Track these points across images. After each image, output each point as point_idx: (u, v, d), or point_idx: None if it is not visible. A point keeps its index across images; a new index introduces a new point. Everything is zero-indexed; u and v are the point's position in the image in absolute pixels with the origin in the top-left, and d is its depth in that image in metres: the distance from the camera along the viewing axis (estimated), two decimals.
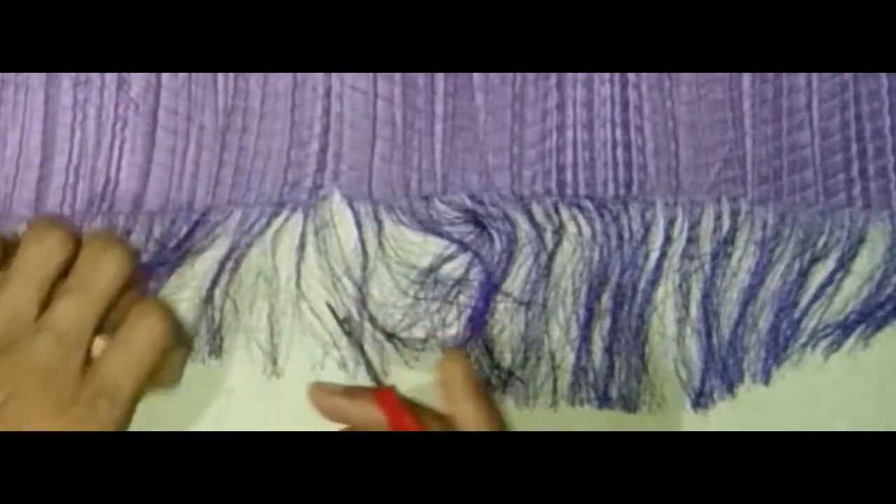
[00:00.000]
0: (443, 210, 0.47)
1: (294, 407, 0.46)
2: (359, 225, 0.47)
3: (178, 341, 0.43)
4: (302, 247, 0.47)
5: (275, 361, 0.47)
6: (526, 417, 0.46)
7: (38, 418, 0.39)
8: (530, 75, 0.47)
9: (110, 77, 0.48)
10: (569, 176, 0.47)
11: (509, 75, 0.47)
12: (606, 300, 0.47)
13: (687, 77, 0.47)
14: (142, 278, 0.45)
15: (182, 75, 0.48)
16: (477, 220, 0.47)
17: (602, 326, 0.47)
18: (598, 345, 0.47)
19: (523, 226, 0.47)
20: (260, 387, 0.47)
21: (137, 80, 0.48)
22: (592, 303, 0.47)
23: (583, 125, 0.47)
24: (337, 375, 0.47)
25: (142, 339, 0.41)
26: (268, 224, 0.48)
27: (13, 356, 0.40)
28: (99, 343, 0.41)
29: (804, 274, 0.47)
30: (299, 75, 0.48)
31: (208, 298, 0.47)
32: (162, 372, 0.42)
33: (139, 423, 0.41)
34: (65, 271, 0.42)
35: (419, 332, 0.47)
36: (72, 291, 0.41)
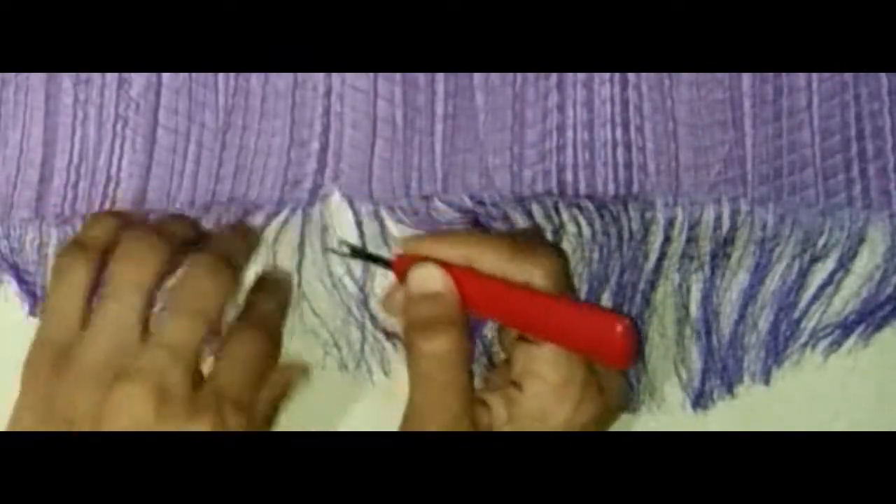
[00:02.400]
0: (443, 210, 0.47)
1: (294, 407, 0.46)
2: (359, 224, 0.48)
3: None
4: (302, 246, 0.47)
5: None
6: None
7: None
8: (530, 75, 0.47)
9: (111, 76, 0.48)
10: (569, 176, 0.47)
11: (509, 75, 0.47)
12: (606, 300, 0.47)
13: (687, 77, 0.47)
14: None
15: (183, 75, 0.48)
16: (477, 220, 0.47)
17: None
18: None
19: (523, 226, 0.47)
20: None
21: (138, 80, 0.48)
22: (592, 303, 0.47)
23: (583, 125, 0.47)
24: (337, 375, 0.47)
25: (252, 350, 0.41)
26: (268, 223, 0.48)
27: (126, 381, 0.39)
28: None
29: (804, 274, 0.47)
30: (300, 75, 0.48)
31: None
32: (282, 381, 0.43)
33: None
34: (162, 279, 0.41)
35: None
36: (179, 311, 0.40)
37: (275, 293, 0.45)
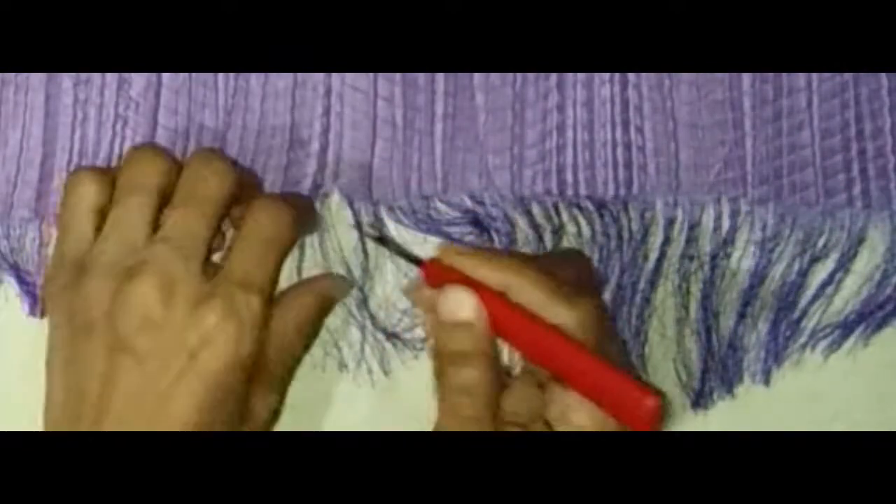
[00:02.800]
0: (443, 210, 0.47)
1: (293, 407, 0.46)
2: (359, 225, 0.47)
3: (305, 230, 0.45)
4: (302, 246, 0.47)
5: None
6: None
7: (173, 327, 0.39)
8: (530, 75, 0.47)
9: (111, 76, 0.48)
10: (569, 176, 0.47)
11: (509, 75, 0.47)
12: (606, 300, 0.47)
13: (687, 77, 0.47)
14: (255, 185, 0.46)
15: (182, 74, 0.48)
16: (477, 221, 0.47)
17: None
18: None
19: (523, 226, 0.47)
20: None
21: (138, 80, 0.48)
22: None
23: (583, 125, 0.47)
24: (337, 375, 0.47)
25: (265, 230, 0.41)
26: None
27: (133, 276, 0.40)
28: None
29: (804, 274, 0.47)
30: (299, 75, 0.48)
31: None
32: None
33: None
34: (170, 193, 0.42)
35: (419, 333, 0.47)
36: (180, 205, 0.41)
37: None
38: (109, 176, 0.43)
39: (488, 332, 0.40)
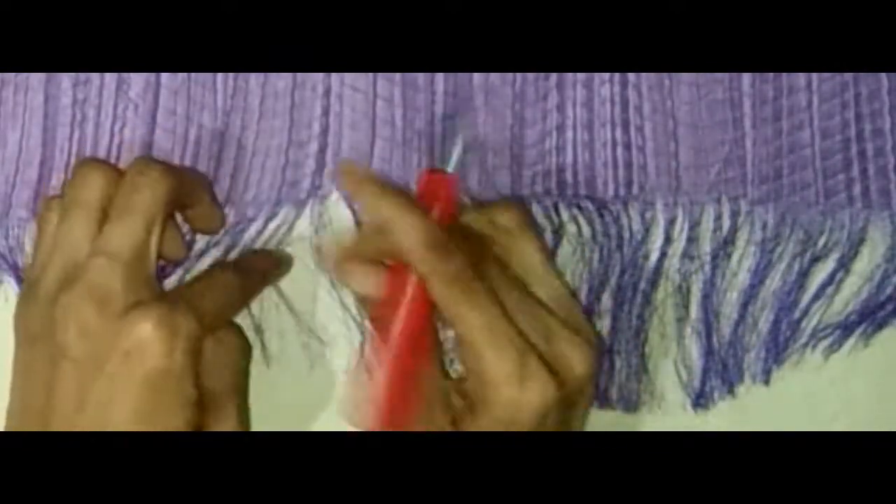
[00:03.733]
0: None
1: (294, 407, 0.46)
2: (358, 225, 0.47)
3: (188, 200, 0.44)
4: (301, 247, 0.47)
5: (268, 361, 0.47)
6: None
7: (109, 332, 0.40)
8: (530, 75, 0.47)
9: (110, 77, 0.48)
10: (569, 176, 0.47)
11: (509, 75, 0.47)
12: (606, 300, 0.47)
13: (687, 77, 0.47)
14: (202, 185, 0.46)
15: (181, 75, 0.48)
16: None
17: (602, 326, 0.47)
18: None
19: None
20: (255, 386, 0.47)
21: (137, 80, 0.48)
22: (592, 303, 0.47)
23: (583, 125, 0.47)
24: (337, 376, 0.47)
25: (137, 203, 0.42)
26: (266, 224, 0.47)
27: (70, 287, 0.40)
28: None
29: (804, 274, 0.47)
30: (299, 75, 0.48)
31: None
32: (166, 242, 0.43)
33: None
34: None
35: None
36: (115, 217, 0.41)
37: (266, 256, 0.47)
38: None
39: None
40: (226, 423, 0.42)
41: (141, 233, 0.41)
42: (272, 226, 0.47)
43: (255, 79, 0.48)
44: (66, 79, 0.48)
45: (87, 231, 0.42)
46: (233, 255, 0.47)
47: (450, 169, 0.42)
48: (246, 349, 0.44)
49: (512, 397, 0.39)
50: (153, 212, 0.42)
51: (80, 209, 0.42)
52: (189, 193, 0.44)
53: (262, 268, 0.46)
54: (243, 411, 0.43)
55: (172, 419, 0.40)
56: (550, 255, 0.45)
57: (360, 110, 0.48)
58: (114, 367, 0.39)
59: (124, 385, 0.39)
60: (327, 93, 0.48)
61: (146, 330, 0.39)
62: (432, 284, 0.40)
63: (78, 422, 0.40)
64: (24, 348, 0.42)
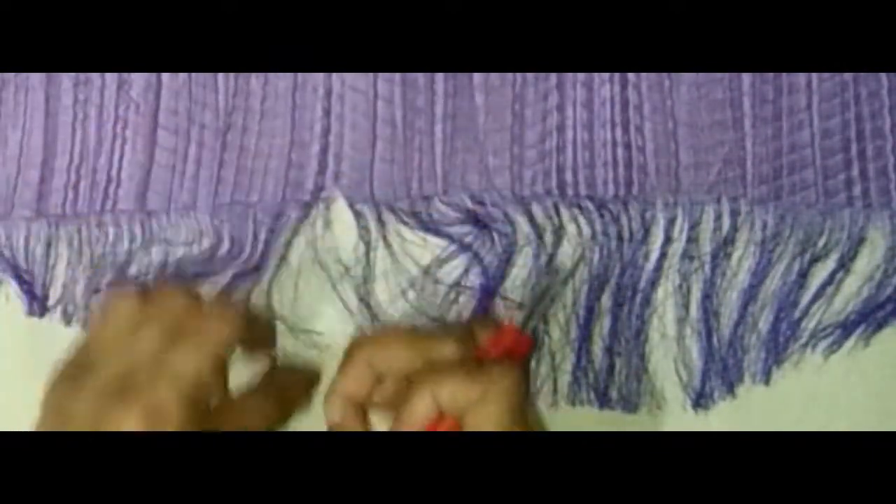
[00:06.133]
0: (443, 210, 0.47)
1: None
2: (360, 226, 0.48)
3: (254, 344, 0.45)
4: (301, 248, 0.47)
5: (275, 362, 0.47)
6: None
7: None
8: (530, 75, 0.47)
9: (111, 77, 0.48)
10: (569, 176, 0.47)
11: (509, 75, 0.47)
12: (606, 300, 0.47)
13: (687, 77, 0.47)
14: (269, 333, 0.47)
15: (183, 75, 0.48)
16: (477, 221, 0.47)
17: (602, 326, 0.47)
18: (598, 345, 0.47)
19: (523, 226, 0.47)
20: None
21: (138, 81, 0.48)
22: (592, 303, 0.47)
23: (583, 125, 0.47)
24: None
25: (212, 334, 0.41)
26: (270, 225, 0.48)
27: (129, 403, 0.39)
28: None
29: (804, 274, 0.47)
30: (300, 75, 0.48)
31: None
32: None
33: None
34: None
35: None
36: (188, 341, 0.41)
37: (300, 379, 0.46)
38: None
39: None
40: None
41: (208, 363, 0.41)
42: (277, 227, 0.48)
43: (256, 79, 0.48)
44: (67, 79, 0.48)
45: (155, 346, 0.41)
46: (235, 258, 0.47)
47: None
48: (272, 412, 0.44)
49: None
50: (225, 344, 0.41)
51: (156, 323, 0.41)
52: (257, 340, 0.44)
53: (296, 390, 0.45)
54: None
55: None
56: None
57: (361, 111, 0.48)
58: None
59: None
60: (328, 94, 0.48)
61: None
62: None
63: None
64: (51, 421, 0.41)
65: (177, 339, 0.41)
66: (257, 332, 0.45)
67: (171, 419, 0.39)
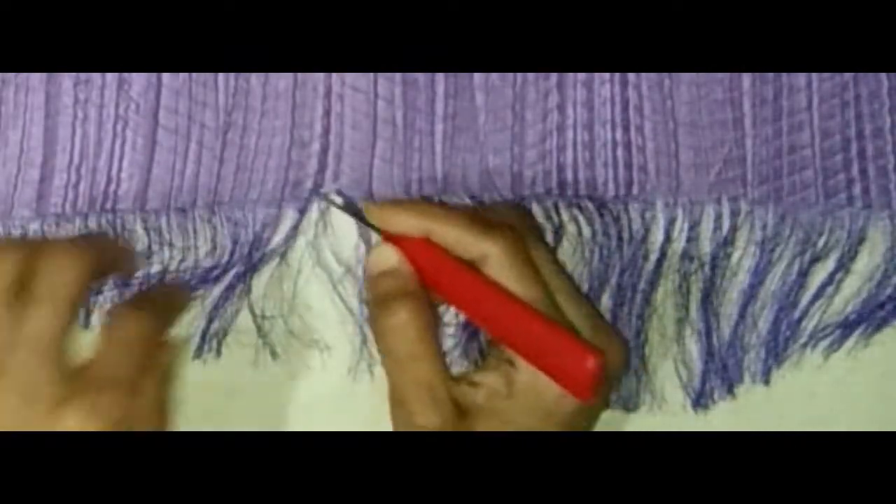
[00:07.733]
0: None
1: (294, 407, 0.46)
2: (360, 227, 0.48)
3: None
4: (301, 249, 0.47)
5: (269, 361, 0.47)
6: None
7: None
8: (530, 75, 0.47)
9: (111, 77, 0.48)
10: (569, 176, 0.47)
11: (509, 75, 0.47)
12: (606, 300, 0.47)
13: (687, 77, 0.47)
14: (124, 253, 0.44)
15: (183, 75, 0.48)
16: None
17: None
18: None
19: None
20: (256, 386, 0.47)
21: (138, 80, 0.48)
22: (592, 303, 0.47)
23: (583, 125, 0.47)
24: (337, 375, 0.47)
25: (55, 289, 0.39)
26: (269, 224, 0.48)
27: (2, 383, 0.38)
28: None
29: (804, 274, 0.47)
30: (300, 75, 0.48)
31: (206, 297, 0.47)
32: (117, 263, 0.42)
33: None
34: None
35: None
36: (34, 303, 0.39)
37: (166, 289, 0.45)
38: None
39: (412, 274, 0.42)
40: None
41: (60, 320, 0.39)
42: (276, 226, 0.48)
43: (256, 78, 0.48)
44: (67, 78, 0.48)
45: (2, 312, 0.39)
46: (236, 255, 0.47)
47: None
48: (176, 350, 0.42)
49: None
50: (71, 295, 0.39)
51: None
52: (109, 265, 0.42)
53: (166, 304, 0.43)
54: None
55: None
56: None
57: (361, 110, 0.48)
58: None
59: None
60: (328, 93, 0.48)
61: (75, 427, 0.38)
62: (491, 265, 0.41)
63: None
64: None
65: (23, 295, 0.39)
66: (111, 258, 0.42)
67: (41, 391, 0.38)
